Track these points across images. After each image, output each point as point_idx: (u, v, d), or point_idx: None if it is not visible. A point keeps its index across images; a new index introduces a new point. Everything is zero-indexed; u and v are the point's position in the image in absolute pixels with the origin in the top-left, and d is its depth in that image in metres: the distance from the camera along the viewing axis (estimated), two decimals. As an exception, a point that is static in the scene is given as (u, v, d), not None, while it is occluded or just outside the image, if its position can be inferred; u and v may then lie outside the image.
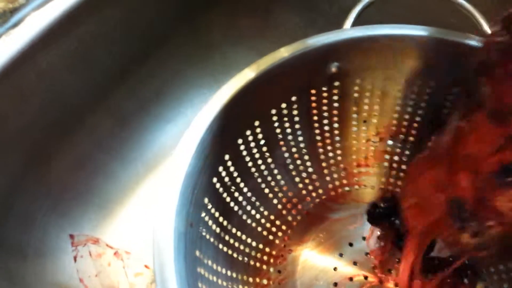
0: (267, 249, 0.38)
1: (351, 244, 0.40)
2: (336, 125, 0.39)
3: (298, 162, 0.39)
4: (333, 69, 0.34)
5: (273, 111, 0.35)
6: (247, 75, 0.31)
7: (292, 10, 0.52)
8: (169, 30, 0.49)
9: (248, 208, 0.37)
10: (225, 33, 0.54)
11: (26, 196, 0.40)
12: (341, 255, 0.39)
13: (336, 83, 0.35)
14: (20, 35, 0.35)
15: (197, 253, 0.29)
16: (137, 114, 0.49)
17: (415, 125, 0.38)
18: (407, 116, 0.38)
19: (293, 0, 0.51)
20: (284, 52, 0.32)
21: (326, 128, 0.39)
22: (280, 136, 0.37)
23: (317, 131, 0.38)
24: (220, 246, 0.33)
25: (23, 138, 0.38)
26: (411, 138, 0.39)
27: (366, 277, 0.38)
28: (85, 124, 0.44)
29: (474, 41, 0.32)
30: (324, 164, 0.41)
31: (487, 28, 0.32)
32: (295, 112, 0.36)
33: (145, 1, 0.45)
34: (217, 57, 0.54)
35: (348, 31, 0.33)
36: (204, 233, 0.31)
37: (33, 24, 0.36)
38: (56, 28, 0.37)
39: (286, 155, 0.38)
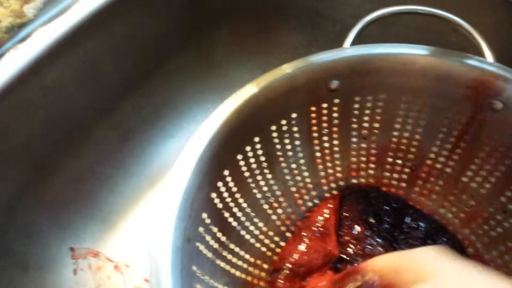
0: (265, 266, 0.38)
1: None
2: (336, 142, 0.38)
3: (298, 178, 0.39)
4: (333, 87, 0.34)
5: (273, 127, 0.35)
6: (248, 91, 0.32)
7: (295, 29, 0.52)
8: (174, 47, 0.50)
9: (247, 224, 0.36)
10: (229, 51, 0.54)
11: (28, 209, 0.40)
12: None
13: (336, 100, 0.35)
14: (27, 50, 0.36)
15: (194, 268, 0.29)
16: (141, 128, 0.49)
17: (414, 143, 0.38)
18: (406, 134, 0.38)
19: (296, 19, 0.51)
20: (285, 69, 0.32)
21: (326, 145, 0.38)
22: (279, 152, 0.36)
23: (316, 148, 0.38)
24: (218, 261, 0.33)
25: (27, 151, 0.39)
26: (411, 156, 0.39)
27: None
28: (89, 138, 0.45)
29: (473, 61, 0.32)
30: (323, 181, 0.41)
31: (485, 47, 0.32)
32: (295, 129, 0.36)
33: (150, 19, 0.46)
34: (221, 74, 0.55)
35: (348, 49, 0.33)
36: (201, 248, 0.31)
37: (40, 39, 0.36)
38: (62, 43, 0.37)
39: (286, 171, 0.38)
